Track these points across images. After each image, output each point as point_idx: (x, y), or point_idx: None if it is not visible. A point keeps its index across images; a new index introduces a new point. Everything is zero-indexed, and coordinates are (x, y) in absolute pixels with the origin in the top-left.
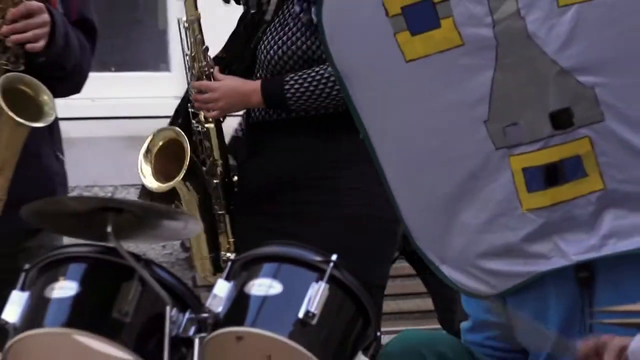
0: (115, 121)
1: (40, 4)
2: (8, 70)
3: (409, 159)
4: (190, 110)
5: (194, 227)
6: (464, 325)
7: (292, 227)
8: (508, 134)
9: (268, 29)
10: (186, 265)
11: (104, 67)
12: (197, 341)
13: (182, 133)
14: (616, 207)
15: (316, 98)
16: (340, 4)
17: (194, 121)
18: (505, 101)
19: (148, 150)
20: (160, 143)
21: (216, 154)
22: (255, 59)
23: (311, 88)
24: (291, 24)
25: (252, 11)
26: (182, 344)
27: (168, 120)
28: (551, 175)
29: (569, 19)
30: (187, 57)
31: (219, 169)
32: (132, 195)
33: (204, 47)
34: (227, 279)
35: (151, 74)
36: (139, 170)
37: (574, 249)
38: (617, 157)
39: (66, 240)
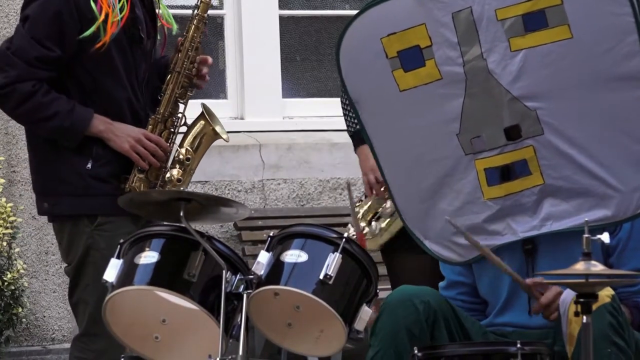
0: None
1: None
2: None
3: (401, 161)
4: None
5: (242, 212)
6: (440, 284)
7: None
8: (474, 143)
9: None
10: (237, 240)
11: None
12: (245, 296)
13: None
14: (552, 197)
15: None
16: (353, 50)
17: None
18: (472, 120)
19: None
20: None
21: None
22: None
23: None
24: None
25: None
26: (234, 298)
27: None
28: (505, 174)
29: (518, 60)
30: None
31: None
32: (198, 189)
33: None
34: (268, 250)
35: (213, 101)
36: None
37: (521, 228)
38: (553, 160)
39: None
